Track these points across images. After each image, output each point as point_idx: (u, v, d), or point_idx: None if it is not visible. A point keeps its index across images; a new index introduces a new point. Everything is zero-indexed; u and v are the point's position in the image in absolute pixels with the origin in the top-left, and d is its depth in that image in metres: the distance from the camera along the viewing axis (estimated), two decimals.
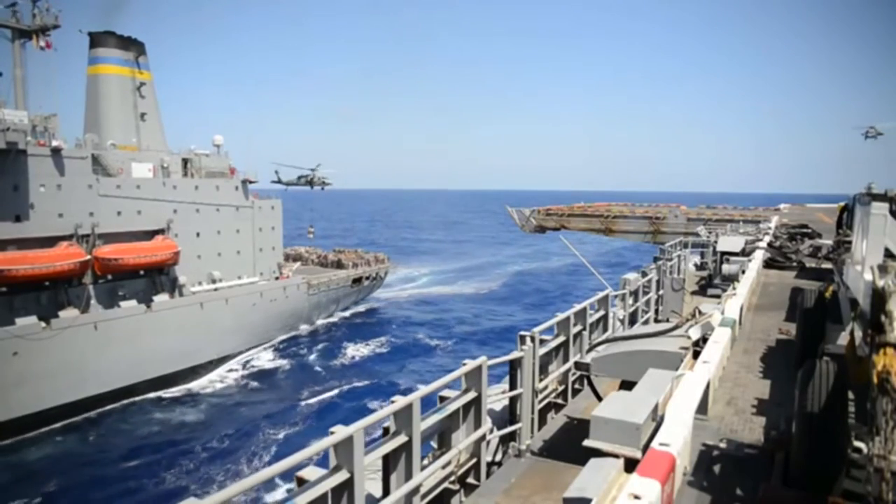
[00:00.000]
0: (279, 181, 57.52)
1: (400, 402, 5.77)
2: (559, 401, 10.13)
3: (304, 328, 51.07)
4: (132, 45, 43.86)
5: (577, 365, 8.96)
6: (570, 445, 7.51)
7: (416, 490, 6.05)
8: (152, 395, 37.24)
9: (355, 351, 46.66)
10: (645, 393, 5.74)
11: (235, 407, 36.16)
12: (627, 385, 7.28)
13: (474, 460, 7.38)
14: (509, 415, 8.37)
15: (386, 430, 6.01)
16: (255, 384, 40.25)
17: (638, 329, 11.93)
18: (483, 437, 7.29)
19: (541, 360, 8.87)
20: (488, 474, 7.54)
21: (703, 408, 6.65)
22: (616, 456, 4.85)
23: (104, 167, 38.23)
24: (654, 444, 4.25)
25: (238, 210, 47.15)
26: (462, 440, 7.00)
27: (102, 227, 36.34)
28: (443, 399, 7.04)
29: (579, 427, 8.53)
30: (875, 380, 3.05)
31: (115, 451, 29.91)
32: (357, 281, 56.35)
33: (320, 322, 53.08)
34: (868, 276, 3.89)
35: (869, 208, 5.26)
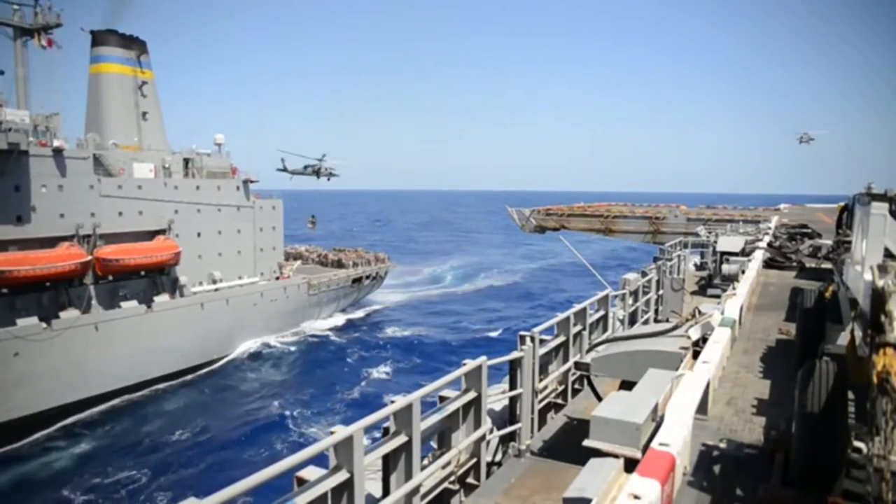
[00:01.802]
0: (285, 169, 56.71)
1: (400, 402, 5.78)
2: (559, 401, 10.13)
3: (304, 328, 51.07)
4: (134, 44, 43.85)
5: (577, 365, 8.96)
6: (570, 445, 7.51)
7: (416, 490, 6.05)
8: (139, 394, 37.10)
9: (354, 351, 46.60)
10: (645, 393, 5.74)
11: (233, 406, 36.13)
12: (627, 385, 7.27)
13: (474, 460, 7.39)
14: (509, 415, 8.37)
15: (386, 430, 6.02)
16: (253, 384, 40.20)
17: (638, 329, 11.92)
18: (483, 437, 7.29)
19: (541, 360, 8.87)
20: (488, 474, 7.54)
21: (703, 408, 6.64)
22: (616, 456, 4.84)
23: (105, 167, 38.25)
24: (654, 444, 4.24)
25: (239, 210, 47.12)
26: (462, 440, 7.01)
27: (104, 228, 36.33)
28: (443, 399, 7.05)
29: (579, 427, 8.53)
30: (875, 380, 3.05)
31: (106, 452, 29.89)
32: (357, 280, 56.37)
33: (320, 322, 53.06)
34: (868, 276, 3.89)
35: (869, 208, 5.26)
